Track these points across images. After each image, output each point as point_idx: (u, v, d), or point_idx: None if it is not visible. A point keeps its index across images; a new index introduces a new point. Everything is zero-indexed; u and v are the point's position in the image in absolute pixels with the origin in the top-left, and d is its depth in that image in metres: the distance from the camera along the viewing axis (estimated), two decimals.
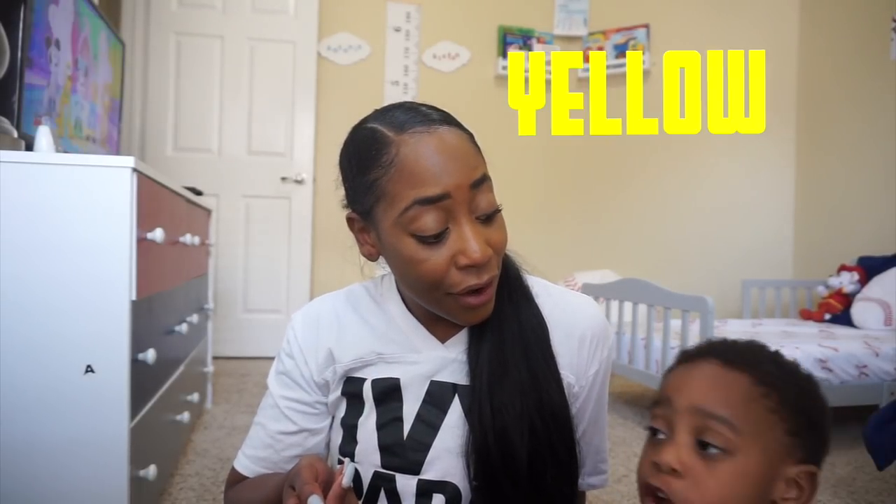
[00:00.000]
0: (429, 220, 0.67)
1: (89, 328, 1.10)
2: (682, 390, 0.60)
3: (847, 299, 2.97)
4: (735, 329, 2.77)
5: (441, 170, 0.67)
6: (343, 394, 0.80)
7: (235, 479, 0.85)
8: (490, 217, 0.71)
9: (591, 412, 0.83)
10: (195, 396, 1.98)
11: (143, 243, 1.19)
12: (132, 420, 1.16)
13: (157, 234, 1.25)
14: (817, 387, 0.63)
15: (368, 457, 0.77)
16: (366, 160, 0.71)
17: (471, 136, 0.73)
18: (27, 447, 1.07)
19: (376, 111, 0.77)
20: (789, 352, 2.15)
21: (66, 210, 1.09)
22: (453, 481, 0.75)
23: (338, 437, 0.81)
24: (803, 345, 2.25)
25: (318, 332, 0.81)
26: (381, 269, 0.85)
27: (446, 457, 0.75)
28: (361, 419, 0.78)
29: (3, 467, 1.06)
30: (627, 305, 2.58)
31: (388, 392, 0.77)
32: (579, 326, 0.80)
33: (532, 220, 3.99)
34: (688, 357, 0.64)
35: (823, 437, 0.61)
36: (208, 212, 2.32)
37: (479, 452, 0.72)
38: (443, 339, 0.79)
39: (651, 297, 2.37)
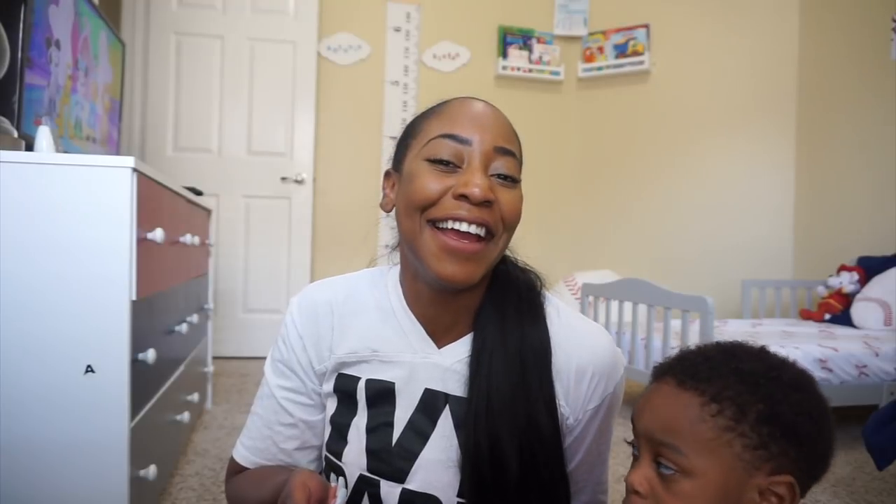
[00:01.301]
0: (446, 150, 0.70)
1: (89, 328, 1.10)
2: (641, 414, 0.62)
3: (847, 299, 2.97)
4: (735, 329, 2.77)
5: (473, 121, 0.71)
6: (335, 390, 0.79)
7: (235, 469, 0.85)
8: (507, 183, 0.71)
9: (591, 447, 0.79)
10: (195, 396, 1.98)
11: (143, 243, 1.19)
12: (132, 420, 1.16)
13: (157, 234, 1.25)
14: (803, 394, 0.59)
15: (356, 459, 0.75)
16: (419, 118, 0.77)
17: (515, 131, 0.76)
18: (27, 447, 1.08)
19: None
20: (789, 352, 2.16)
21: (66, 210, 1.09)
22: (437, 494, 0.73)
23: (326, 433, 0.79)
24: (803, 345, 2.25)
25: (317, 318, 0.80)
26: (388, 261, 0.84)
27: (432, 468, 0.73)
28: (355, 419, 0.76)
29: (3, 467, 1.06)
30: (627, 305, 2.57)
31: (382, 395, 0.76)
32: (583, 358, 0.76)
33: (532, 220, 3.98)
34: (655, 374, 0.65)
35: (809, 444, 0.58)
36: (208, 212, 2.32)
37: (472, 466, 0.71)
38: (439, 345, 0.77)
39: (651, 297, 2.37)
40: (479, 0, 3.88)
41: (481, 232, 0.69)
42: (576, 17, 3.96)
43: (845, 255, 3.16)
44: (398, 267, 0.82)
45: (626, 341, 2.54)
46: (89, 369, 1.10)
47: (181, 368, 1.77)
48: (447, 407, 0.75)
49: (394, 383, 0.76)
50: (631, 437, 0.65)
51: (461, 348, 0.77)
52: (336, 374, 0.78)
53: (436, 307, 0.76)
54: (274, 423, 0.81)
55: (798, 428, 0.58)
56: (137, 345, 1.19)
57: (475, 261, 0.70)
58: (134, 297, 1.14)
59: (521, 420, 0.71)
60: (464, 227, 0.68)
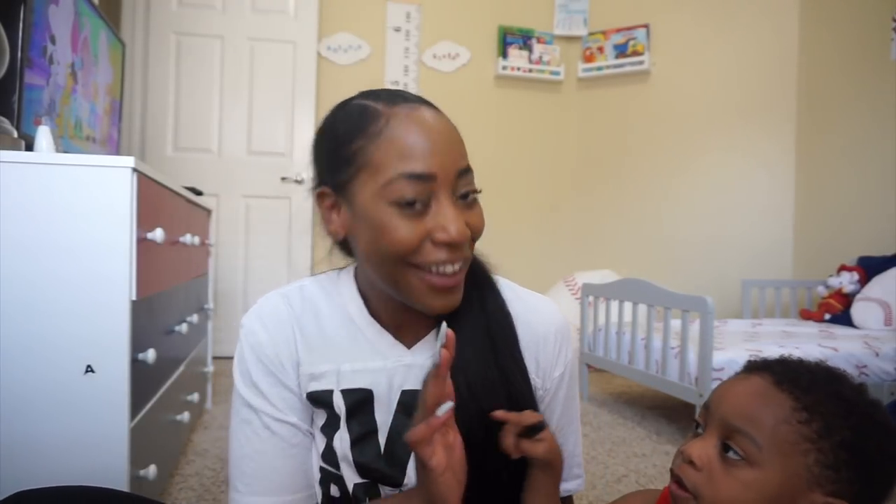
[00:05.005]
0: (411, 191, 0.65)
1: (89, 328, 1.10)
2: (723, 399, 0.63)
3: (847, 299, 2.96)
4: (735, 329, 2.77)
5: (431, 148, 0.66)
6: (313, 403, 0.76)
7: None
8: (470, 201, 0.70)
9: (561, 417, 0.82)
10: (195, 396, 1.98)
11: (143, 243, 1.19)
12: (132, 420, 1.16)
13: (157, 234, 1.25)
14: (891, 439, 0.61)
15: (347, 472, 0.74)
16: (352, 130, 0.68)
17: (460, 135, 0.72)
18: (27, 447, 1.07)
19: (360, 93, 0.74)
20: (789, 352, 2.15)
21: (67, 210, 1.09)
22: None
23: (321, 443, 0.76)
24: (803, 345, 2.25)
25: (281, 324, 0.75)
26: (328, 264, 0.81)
27: None
28: (338, 433, 0.74)
29: (3, 467, 1.06)
30: (627, 305, 2.57)
31: (360, 403, 0.74)
32: (542, 325, 0.80)
33: (532, 220, 3.99)
34: (750, 368, 0.66)
35: (878, 486, 0.60)
36: (208, 212, 2.32)
37: (467, 453, 0.70)
38: (409, 345, 0.76)
39: (651, 297, 2.37)
40: (479, 0, 3.88)
41: (461, 264, 0.69)
42: (576, 17, 3.96)
43: (845, 255, 3.16)
44: (348, 274, 0.79)
45: (626, 341, 2.54)
46: (89, 369, 1.10)
47: (181, 368, 1.77)
48: None
49: (371, 390, 0.74)
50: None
51: (432, 342, 0.76)
52: (306, 391, 0.75)
53: (404, 313, 0.75)
54: (276, 454, 0.75)
55: (876, 468, 0.59)
56: (137, 345, 1.19)
57: (458, 289, 0.71)
58: (134, 297, 1.14)
59: (502, 397, 0.72)
60: (448, 269, 0.68)
